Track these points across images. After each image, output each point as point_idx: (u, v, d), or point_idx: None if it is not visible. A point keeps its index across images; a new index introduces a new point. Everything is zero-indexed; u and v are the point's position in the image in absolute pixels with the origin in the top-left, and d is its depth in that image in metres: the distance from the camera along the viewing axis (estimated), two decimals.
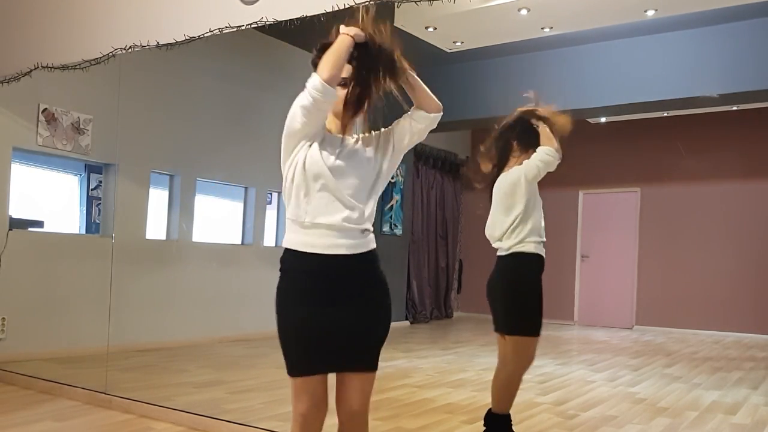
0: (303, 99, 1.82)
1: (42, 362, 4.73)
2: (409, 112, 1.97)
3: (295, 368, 1.90)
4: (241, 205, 6.89)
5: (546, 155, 2.94)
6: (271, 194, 7.13)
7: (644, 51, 6.65)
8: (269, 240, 7.14)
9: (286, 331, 1.90)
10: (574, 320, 9.60)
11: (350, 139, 1.94)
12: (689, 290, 9.05)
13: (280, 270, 1.92)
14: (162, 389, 4.15)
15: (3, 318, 4.77)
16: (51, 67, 4.30)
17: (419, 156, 9.40)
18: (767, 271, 8.61)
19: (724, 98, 6.70)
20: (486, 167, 3.18)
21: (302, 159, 1.85)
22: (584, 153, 9.09)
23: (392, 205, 8.67)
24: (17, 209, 4.95)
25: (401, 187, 8.91)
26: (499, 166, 3.14)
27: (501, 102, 7.52)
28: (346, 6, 3.08)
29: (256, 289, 6.77)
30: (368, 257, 1.90)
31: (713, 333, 8.76)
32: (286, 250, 1.90)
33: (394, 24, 5.81)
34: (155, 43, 3.79)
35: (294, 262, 1.88)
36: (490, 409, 3.08)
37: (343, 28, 1.85)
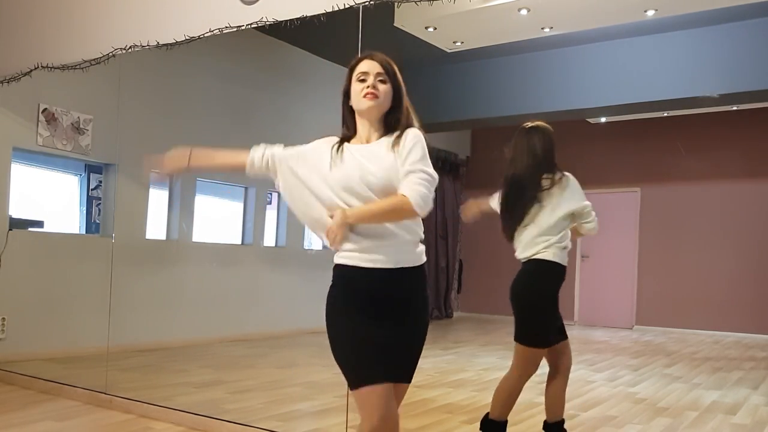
0: None
1: (42, 362, 4.73)
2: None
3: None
4: (241, 205, 6.89)
5: None
6: (270, 194, 7.13)
7: (644, 51, 6.65)
8: (269, 240, 7.14)
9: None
10: (574, 320, 9.60)
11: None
12: (689, 290, 9.04)
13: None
14: (162, 389, 4.15)
15: (3, 318, 4.77)
16: (51, 67, 4.30)
17: None
18: (767, 271, 8.62)
19: (724, 98, 6.70)
20: None
21: None
22: (584, 153, 9.11)
23: None
24: (17, 209, 4.95)
25: None
26: None
27: (501, 102, 7.58)
28: (346, 6, 3.08)
29: (256, 289, 6.79)
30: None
31: (713, 333, 8.76)
32: None
33: (394, 24, 5.85)
34: (155, 43, 3.79)
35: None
36: (487, 414, 3.06)
37: None
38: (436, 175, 1.88)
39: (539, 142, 2.95)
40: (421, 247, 1.93)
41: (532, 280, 2.89)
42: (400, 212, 1.84)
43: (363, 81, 1.89)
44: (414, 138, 1.88)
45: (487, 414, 3.06)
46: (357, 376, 1.85)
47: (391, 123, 1.93)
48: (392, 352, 1.87)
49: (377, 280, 1.86)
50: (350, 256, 1.88)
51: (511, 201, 2.96)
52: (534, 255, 2.85)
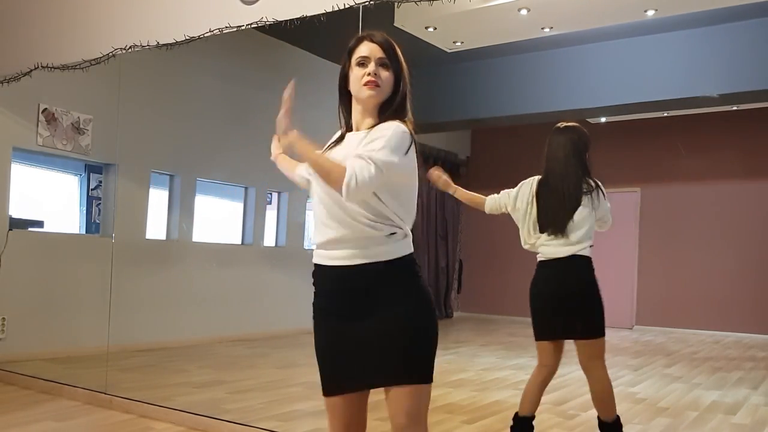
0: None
1: (42, 362, 4.73)
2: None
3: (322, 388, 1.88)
4: (241, 205, 6.89)
5: None
6: (271, 194, 7.13)
7: (644, 51, 6.65)
8: (269, 240, 7.15)
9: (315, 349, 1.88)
10: None
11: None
12: (689, 290, 9.05)
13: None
14: (162, 389, 4.15)
15: (3, 318, 4.77)
16: (51, 67, 4.30)
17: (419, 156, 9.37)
18: (767, 271, 8.62)
19: (724, 98, 6.70)
20: None
21: None
22: None
23: None
24: (17, 209, 4.95)
25: None
26: None
27: (501, 102, 7.58)
28: (346, 6, 3.08)
29: (256, 289, 6.79)
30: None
31: (713, 333, 8.76)
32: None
33: (394, 24, 5.85)
34: (155, 43, 3.79)
35: None
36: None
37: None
38: (385, 167, 1.64)
39: (580, 143, 3.31)
40: (393, 242, 1.74)
41: (590, 273, 3.30)
42: (329, 177, 1.64)
43: (363, 66, 1.75)
44: (387, 128, 1.71)
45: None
46: (322, 384, 1.86)
47: (385, 110, 1.78)
48: (357, 356, 1.75)
49: (339, 279, 1.75)
50: (318, 253, 1.79)
51: (559, 197, 3.22)
52: (580, 251, 3.29)
